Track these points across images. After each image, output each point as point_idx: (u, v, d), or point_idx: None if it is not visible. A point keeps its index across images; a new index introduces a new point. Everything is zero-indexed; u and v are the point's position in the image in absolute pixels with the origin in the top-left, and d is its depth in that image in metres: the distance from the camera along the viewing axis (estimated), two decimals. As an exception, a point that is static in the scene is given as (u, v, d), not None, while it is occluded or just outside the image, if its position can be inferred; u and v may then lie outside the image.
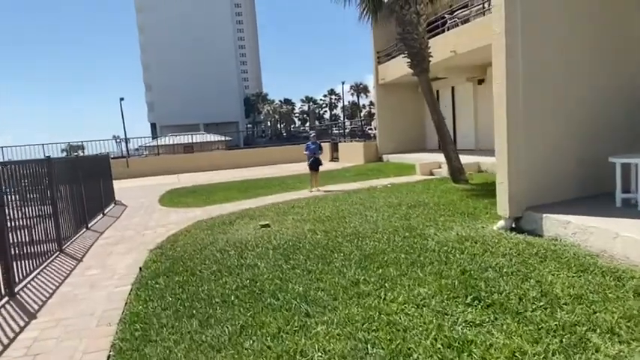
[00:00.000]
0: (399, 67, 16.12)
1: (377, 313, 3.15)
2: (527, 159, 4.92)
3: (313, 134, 11.34)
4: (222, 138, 36.76)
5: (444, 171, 11.62)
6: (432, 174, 12.52)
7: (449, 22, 13.53)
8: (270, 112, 74.95)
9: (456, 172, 9.28)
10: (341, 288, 3.69)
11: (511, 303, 3.12)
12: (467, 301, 3.22)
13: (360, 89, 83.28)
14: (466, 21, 12.70)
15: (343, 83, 62.15)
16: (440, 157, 13.78)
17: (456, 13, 13.02)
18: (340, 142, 23.13)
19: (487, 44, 11.49)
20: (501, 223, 5.09)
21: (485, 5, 11.77)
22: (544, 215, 4.66)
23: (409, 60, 9.45)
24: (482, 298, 3.23)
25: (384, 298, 3.39)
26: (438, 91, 17.60)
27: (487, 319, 2.95)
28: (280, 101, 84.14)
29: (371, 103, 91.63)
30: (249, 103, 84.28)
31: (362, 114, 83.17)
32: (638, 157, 4.48)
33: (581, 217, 4.32)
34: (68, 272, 5.31)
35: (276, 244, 5.31)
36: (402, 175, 12.72)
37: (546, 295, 3.19)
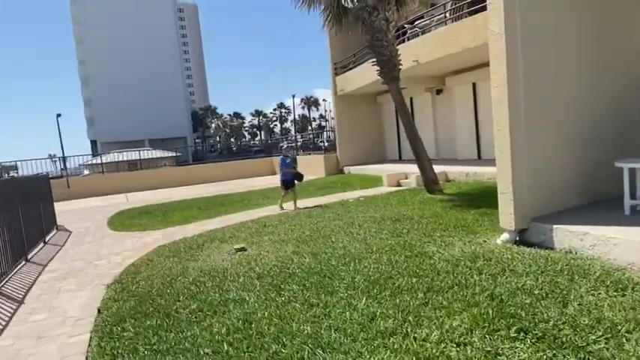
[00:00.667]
0: (359, 77, 15.96)
1: (414, 359, 2.61)
2: (530, 167, 4.62)
3: (286, 145, 10.31)
4: (171, 154, 35.12)
5: (412, 181, 11.39)
6: (399, 185, 12.28)
7: (409, 32, 13.49)
8: (221, 126, 73.17)
9: (431, 183, 9.00)
10: (357, 325, 3.11)
11: (565, 334, 2.68)
12: (512, 334, 2.76)
13: (310, 102, 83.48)
14: (426, 31, 12.67)
15: (294, 96, 61.83)
16: (405, 168, 13.62)
17: (416, 23, 12.98)
18: (298, 155, 22.57)
19: (450, 53, 11.55)
20: (505, 236, 4.74)
21: (447, 15, 11.79)
22: (555, 226, 4.34)
23: (379, 68, 9.12)
24: (529, 330, 2.78)
25: (415, 337, 2.85)
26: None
27: (545, 357, 2.49)
28: (230, 115, 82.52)
29: (321, 116, 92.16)
30: (197, 117, 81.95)
31: (312, 127, 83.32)
32: (647, 161, 4.28)
33: (600, 228, 4.03)
34: (7, 320, 4.35)
35: (261, 272, 4.64)
36: (369, 187, 12.37)
37: (600, 321, 2.78)
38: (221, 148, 71.82)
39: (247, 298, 3.90)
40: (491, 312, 3.05)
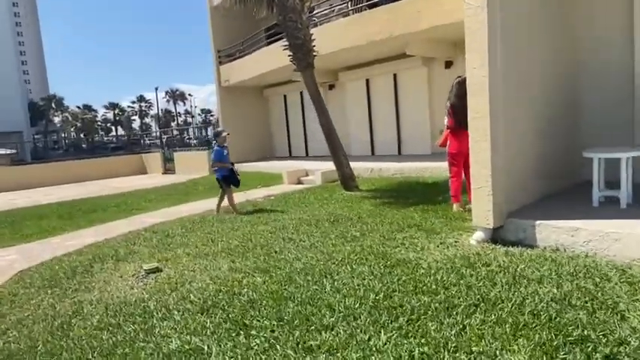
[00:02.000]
0: (250, 67, 14.82)
1: None
2: (506, 158, 4.22)
3: (224, 133, 7.53)
4: (6, 151, 29.11)
5: (316, 178, 10.75)
6: (300, 182, 11.56)
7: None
8: (69, 119, 63.74)
9: (348, 179, 8.43)
10: (400, 378, 2.20)
11: (664, 359, 2.17)
12: (602, 367, 2.15)
13: (176, 96, 78.06)
14: (324, 22, 12.15)
15: (157, 89, 56.82)
16: (302, 164, 12.95)
17: (315, 12, 12.37)
18: (175, 151, 20.37)
19: (350, 46, 11.18)
20: (479, 235, 4.27)
21: (349, 5, 11.41)
22: (538, 222, 3.99)
23: (291, 53, 8.22)
24: (618, 357, 2.21)
25: (493, 387, 2.06)
26: (285, 96, 16.88)
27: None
28: (79, 107, 72.59)
29: (187, 112, 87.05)
30: (37, 109, 70.34)
31: (178, 122, 78.11)
32: (621, 150, 4.18)
33: (592, 222, 3.77)
34: None
35: (202, 302, 3.40)
36: (268, 185, 11.39)
37: (685, 336, 2.34)
38: (67, 145, 62.69)
39: (205, 348, 2.68)
40: (552, 336, 2.42)
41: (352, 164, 11.48)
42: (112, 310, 3.45)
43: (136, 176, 19.14)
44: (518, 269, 3.40)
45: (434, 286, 3.20)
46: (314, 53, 8.29)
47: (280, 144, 17.75)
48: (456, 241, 4.36)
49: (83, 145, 60.74)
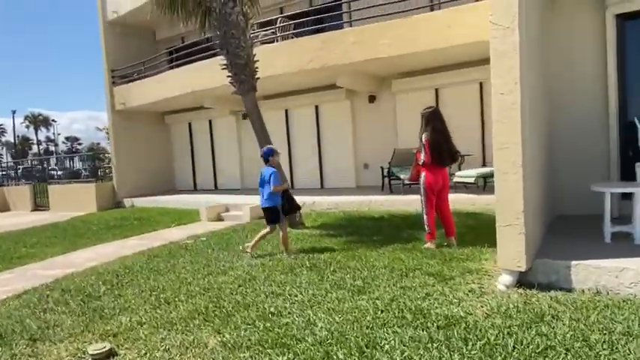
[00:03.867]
0: (151, 90, 13.24)
1: None
2: (531, 190, 3.89)
3: (277, 151, 5.98)
4: None
5: (244, 214, 9.65)
6: (220, 219, 10.35)
7: (224, 44, 11.88)
8: None
9: (293, 216, 7.56)
10: None
11: None
12: None
13: (37, 121, 68.51)
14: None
15: (14, 113, 49.03)
16: (217, 199, 11.67)
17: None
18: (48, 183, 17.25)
19: (278, 74, 10.51)
20: (507, 279, 3.81)
21: (278, 32, 10.82)
22: (574, 262, 3.66)
23: (232, 74, 7.26)
24: None
25: None
26: (191, 124, 15.50)
27: None
28: None
29: (48, 139, 76.87)
30: None
31: (40, 150, 68.47)
32: (635, 185, 4.12)
33: (637, 261, 3.54)
34: None
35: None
36: (183, 223, 9.97)
37: None
38: None
39: None
40: None
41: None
42: None
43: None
44: (590, 320, 2.95)
45: (521, 354, 2.57)
46: (257, 75, 7.44)
47: (184, 176, 16.06)
48: (481, 287, 3.84)
49: None
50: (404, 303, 3.51)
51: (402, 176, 9.67)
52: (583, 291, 3.59)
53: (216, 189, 15.11)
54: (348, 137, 12.21)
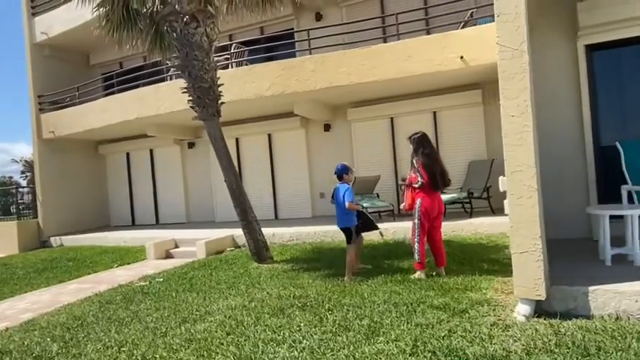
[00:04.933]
0: (86, 117, 12.15)
1: None
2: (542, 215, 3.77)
3: (352, 168, 5.71)
4: None
5: (198, 250, 8.87)
6: (169, 256, 9.48)
7: (172, 69, 11.24)
8: None
9: (262, 249, 7.02)
10: None
11: None
12: None
13: None
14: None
15: None
16: (162, 234, 10.72)
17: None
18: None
19: (235, 100, 10.00)
20: (525, 308, 3.61)
21: (232, 58, 10.43)
22: (592, 288, 3.55)
23: (193, 98, 6.71)
24: None
25: None
26: (129, 154, 14.43)
27: None
28: None
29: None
30: None
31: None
32: (631, 208, 4.16)
33: None
34: None
35: None
36: (127, 262, 9.00)
37: None
38: None
39: None
40: None
41: (230, 231, 10.02)
42: None
43: None
44: (636, 348, 2.79)
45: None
46: (221, 101, 6.96)
47: (120, 211, 14.72)
48: (500, 320, 3.60)
49: None
50: (431, 343, 3.16)
51: (364, 204, 9.48)
52: (602, 317, 3.47)
53: (158, 224, 14.01)
54: (304, 166, 11.90)
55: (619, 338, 3.00)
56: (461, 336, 3.27)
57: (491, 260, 5.88)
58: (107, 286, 6.63)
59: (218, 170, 12.53)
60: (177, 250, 9.65)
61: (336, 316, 3.98)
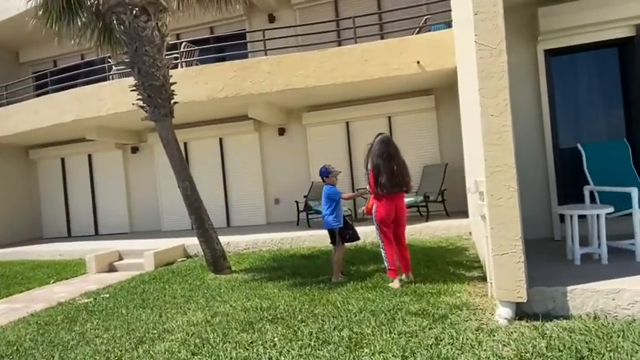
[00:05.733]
0: (14, 119, 11.09)
1: None
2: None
3: (333, 170, 5.55)
4: None
5: (146, 262, 8.26)
6: (113, 269, 8.77)
7: (114, 68, 10.49)
8: None
9: (220, 259, 6.58)
10: None
11: None
12: None
13: None
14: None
15: None
16: (103, 245, 9.91)
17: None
18: None
19: (185, 101, 9.46)
20: (506, 311, 3.54)
21: (181, 57, 9.89)
22: (571, 288, 3.54)
23: (144, 97, 6.19)
24: None
25: None
26: (64, 160, 13.36)
27: None
28: None
29: None
30: None
31: None
32: (595, 207, 4.24)
33: (630, 280, 3.53)
34: None
35: None
36: (62, 277, 8.20)
37: None
38: None
39: None
40: None
41: (180, 240, 9.47)
42: None
43: None
44: (626, 349, 2.77)
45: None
46: (174, 100, 6.49)
47: (54, 221, 13.51)
48: (483, 324, 3.51)
49: None
50: (420, 353, 2.99)
51: (321, 209, 9.29)
52: (581, 317, 3.47)
53: (97, 234, 13.01)
54: (257, 171, 11.52)
55: (605, 338, 2.98)
56: (449, 343, 3.13)
57: (455, 263, 5.86)
58: (44, 304, 5.93)
59: (165, 176, 12.06)
60: (121, 262, 8.93)
61: (311, 328, 3.72)
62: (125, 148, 12.71)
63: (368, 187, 5.12)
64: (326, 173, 5.50)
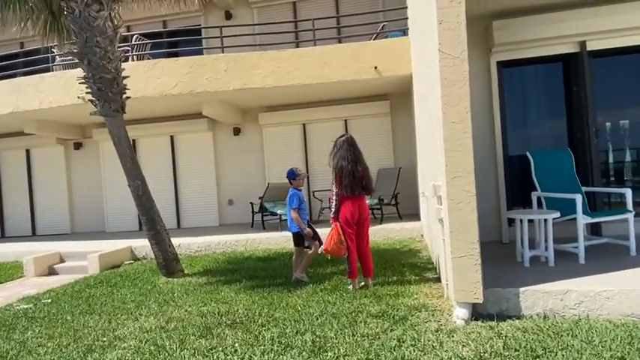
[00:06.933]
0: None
1: None
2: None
3: (299, 172, 5.54)
4: None
5: (90, 265, 7.85)
6: (53, 272, 8.25)
7: (58, 58, 9.86)
8: None
9: (172, 262, 6.34)
10: None
11: None
12: None
13: None
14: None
15: None
16: (47, 247, 9.28)
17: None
18: None
19: (136, 97, 9.05)
20: (463, 312, 3.66)
21: (132, 51, 9.46)
22: (523, 289, 3.71)
23: (93, 89, 5.84)
24: None
25: None
26: (-2, 154, 12.41)
27: None
28: None
29: None
30: None
31: None
32: (543, 213, 4.47)
33: (578, 281, 3.75)
34: None
35: None
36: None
37: None
38: None
39: None
40: None
41: (126, 242, 9.07)
42: None
43: None
44: (576, 347, 2.94)
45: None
46: (126, 95, 6.18)
47: (14, 219, 12.49)
48: (441, 325, 3.60)
49: None
50: (384, 356, 3.02)
51: (278, 212, 9.22)
52: (532, 317, 3.65)
53: (35, 235, 12.16)
54: (210, 171, 11.25)
55: (556, 337, 3.15)
56: (411, 345, 3.18)
57: (410, 265, 5.99)
58: (-26, 312, 5.44)
59: (110, 175, 11.51)
60: (63, 265, 8.40)
61: (272, 333, 3.66)
62: (67, 143, 11.99)
63: (334, 186, 4.99)
64: (293, 176, 5.48)
